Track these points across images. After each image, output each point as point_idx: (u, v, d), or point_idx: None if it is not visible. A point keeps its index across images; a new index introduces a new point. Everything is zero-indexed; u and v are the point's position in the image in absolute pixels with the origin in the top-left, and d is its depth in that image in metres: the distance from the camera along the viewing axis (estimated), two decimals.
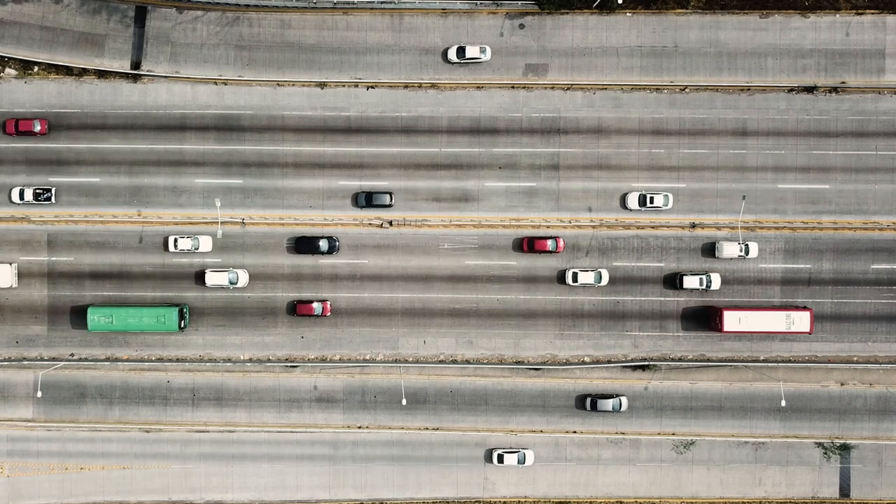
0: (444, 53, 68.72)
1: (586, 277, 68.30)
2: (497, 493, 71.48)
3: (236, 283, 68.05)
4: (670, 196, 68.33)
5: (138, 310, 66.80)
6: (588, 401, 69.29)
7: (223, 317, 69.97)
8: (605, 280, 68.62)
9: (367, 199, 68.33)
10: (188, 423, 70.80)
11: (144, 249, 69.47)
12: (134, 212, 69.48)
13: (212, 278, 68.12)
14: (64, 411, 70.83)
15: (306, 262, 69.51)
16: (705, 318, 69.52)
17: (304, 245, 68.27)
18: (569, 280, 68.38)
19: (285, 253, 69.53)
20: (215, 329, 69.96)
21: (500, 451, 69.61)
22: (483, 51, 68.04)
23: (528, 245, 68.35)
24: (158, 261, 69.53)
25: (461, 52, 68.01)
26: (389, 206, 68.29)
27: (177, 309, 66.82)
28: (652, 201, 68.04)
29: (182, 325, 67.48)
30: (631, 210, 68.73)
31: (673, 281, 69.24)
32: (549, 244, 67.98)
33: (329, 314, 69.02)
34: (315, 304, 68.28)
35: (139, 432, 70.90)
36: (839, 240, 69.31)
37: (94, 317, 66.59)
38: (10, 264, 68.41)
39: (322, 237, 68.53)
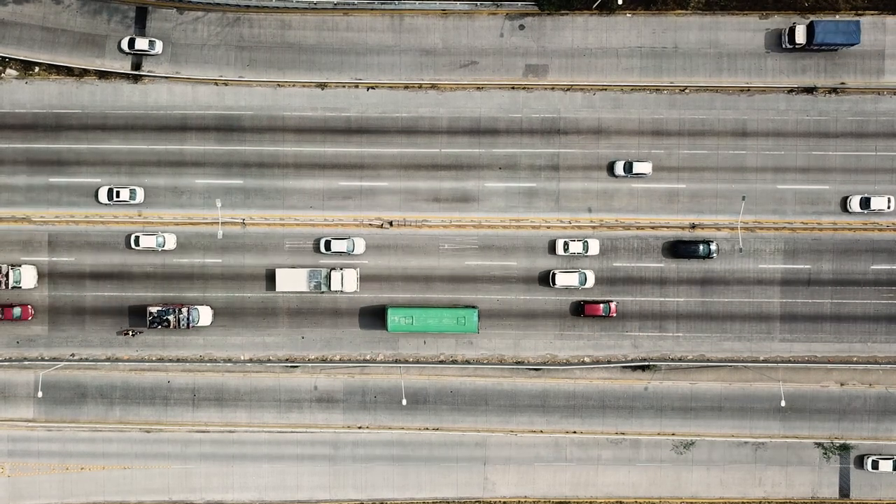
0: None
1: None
2: (497, 493, 71.53)
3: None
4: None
5: (438, 311, 66.76)
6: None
7: (224, 317, 70.02)
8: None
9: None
10: (188, 424, 70.85)
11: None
12: (134, 212, 69.55)
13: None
14: (64, 411, 70.89)
15: (306, 262, 69.55)
16: (704, 317, 69.56)
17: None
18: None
19: (286, 253, 69.59)
20: (216, 329, 70.00)
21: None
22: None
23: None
24: (159, 261, 69.60)
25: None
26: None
27: (476, 310, 66.89)
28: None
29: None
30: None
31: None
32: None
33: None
34: None
35: (139, 432, 70.95)
36: (839, 240, 69.36)
37: (395, 317, 66.40)
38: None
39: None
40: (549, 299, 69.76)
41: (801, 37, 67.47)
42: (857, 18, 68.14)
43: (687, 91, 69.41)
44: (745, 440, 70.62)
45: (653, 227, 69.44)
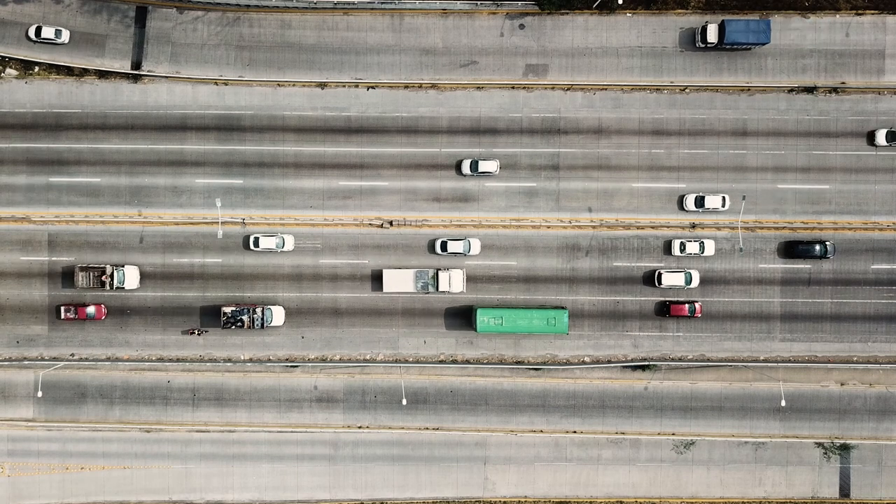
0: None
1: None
2: (497, 492, 71.52)
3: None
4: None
5: (528, 312, 66.59)
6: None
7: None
8: (695, 282, 68.11)
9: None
10: (188, 423, 70.83)
11: (144, 249, 69.51)
12: (134, 212, 69.52)
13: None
14: (64, 411, 70.86)
15: (306, 262, 69.56)
16: (705, 317, 69.52)
17: None
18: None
19: (286, 253, 69.56)
20: (216, 329, 69.93)
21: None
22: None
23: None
24: (159, 261, 69.57)
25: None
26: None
27: (566, 311, 66.87)
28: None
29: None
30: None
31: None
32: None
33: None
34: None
35: (139, 432, 70.93)
36: (839, 240, 69.35)
37: (484, 318, 66.14)
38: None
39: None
40: (550, 299, 69.74)
41: (712, 36, 67.46)
42: (767, 18, 67.96)
43: (687, 91, 69.40)
44: (745, 440, 70.61)
45: (653, 227, 69.42)
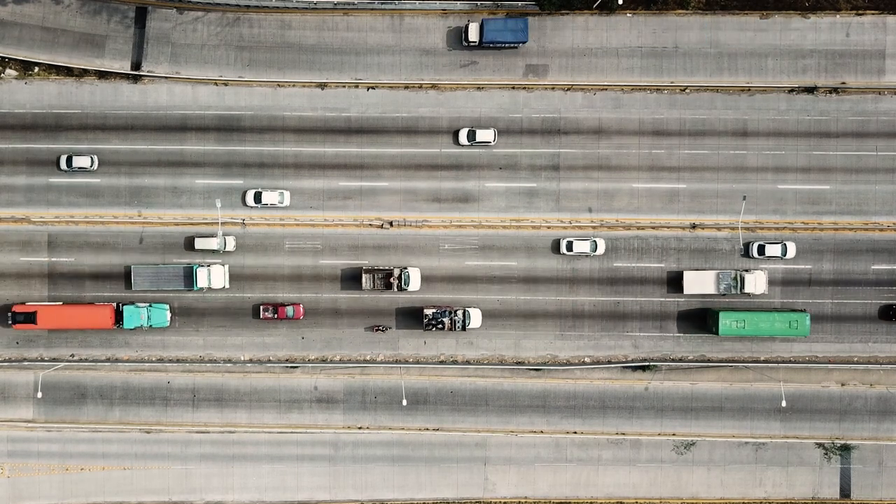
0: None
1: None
2: (497, 493, 71.47)
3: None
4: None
5: (770, 315, 66.65)
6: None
7: (224, 317, 69.97)
8: (601, 249, 68.19)
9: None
10: (188, 424, 70.79)
11: (144, 250, 69.48)
12: (134, 212, 69.49)
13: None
14: (64, 412, 70.82)
15: (306, 262, 69.53)
16: (700, 318, 69.54)
17: None
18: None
19: (286, 254, 69.56)
20: (216, 329, 69.95)
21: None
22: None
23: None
24: (160, 261, 69.51)
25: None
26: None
27: (808, 314, 66.81)
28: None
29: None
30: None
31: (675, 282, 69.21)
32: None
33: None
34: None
35: (139, 433, 70.89)
36: (839, 240, 69.31)
37: (727, 321, 66.09)
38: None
39: None
40: (550, 299, 69.70)
41: (473, 35, 67.45)
42: (524, 17, 67.90)
43: (687, 91, 69.36)
44: (745, 440, 70.56)
45: (653, 228, 69.38)
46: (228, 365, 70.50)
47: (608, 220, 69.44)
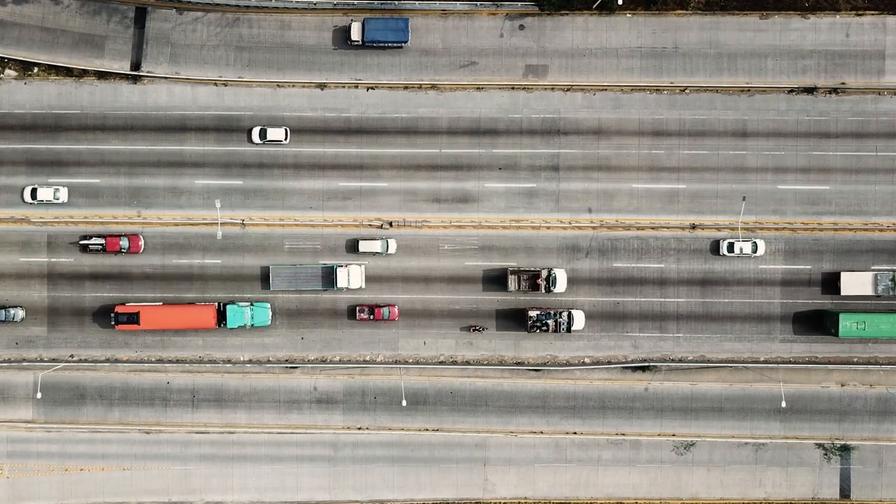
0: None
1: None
2: (497, 494, 71.43)
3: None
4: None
5: (891, 316, 66.73)
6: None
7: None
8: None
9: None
10: (188, 425, 70.74)
11: (144, 250, 69.34)
12: (134, 213, 69.46)
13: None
14: (64, 412, 70.77)
15: (305, 261, 69.47)
16: (705, 318, 69.48)
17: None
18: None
19: (285, 254, 69.53)
20: (215, 330, 69.86)
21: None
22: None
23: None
24: (159, 262, 69.52)
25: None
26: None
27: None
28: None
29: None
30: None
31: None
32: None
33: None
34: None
35: (139, 433, 70.84)
36: (839, 240, 69.30)
37: (847, 323, 66.13)
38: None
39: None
40: (550, 300, 69.67)
41: (356, 34, 67.67)
42: (405, 17, 68.20)
43: (687, 91, 69.35)
44: (745, 441, 70.53)
45: (653, 228, 69.36)
46: (228, 365, 70.46)
47: (608, 221, 69.43)
